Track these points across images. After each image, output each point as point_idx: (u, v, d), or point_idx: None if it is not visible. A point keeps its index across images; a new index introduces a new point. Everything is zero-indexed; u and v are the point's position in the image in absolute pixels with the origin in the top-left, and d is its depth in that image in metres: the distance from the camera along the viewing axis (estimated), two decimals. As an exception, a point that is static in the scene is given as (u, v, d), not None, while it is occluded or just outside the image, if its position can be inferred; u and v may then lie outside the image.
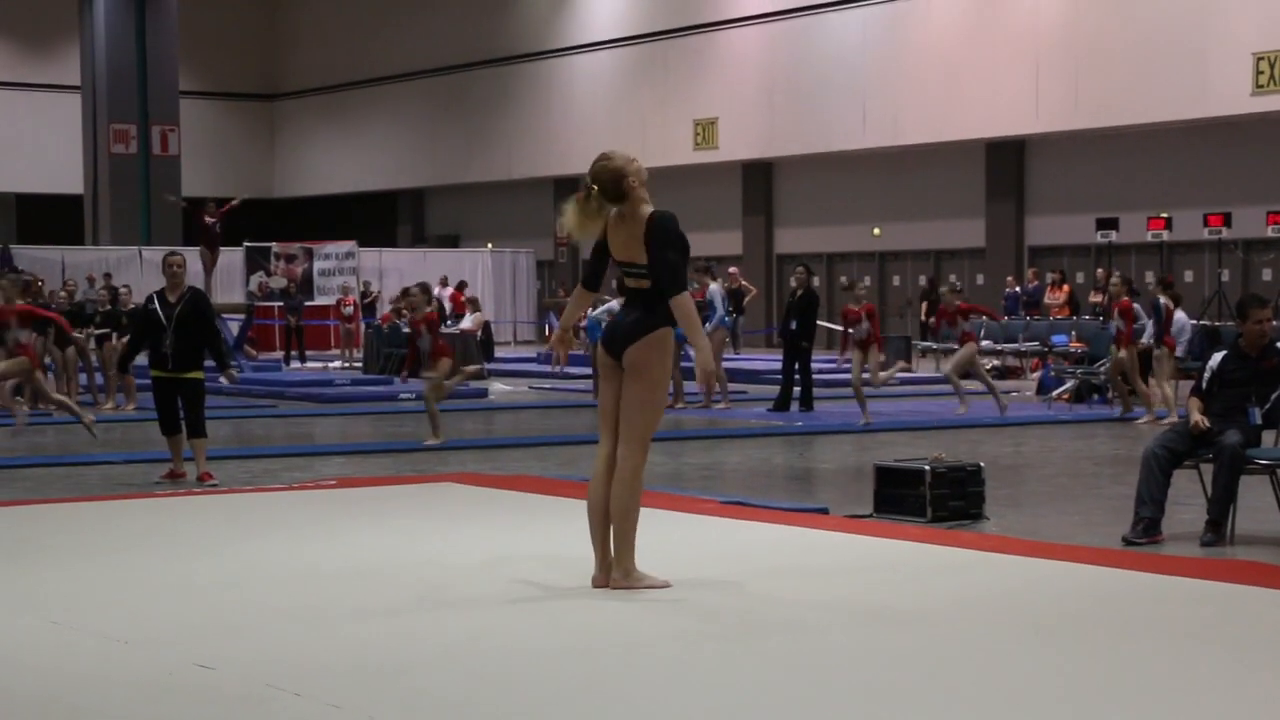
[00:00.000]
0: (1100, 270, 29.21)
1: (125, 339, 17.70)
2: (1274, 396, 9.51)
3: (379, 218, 47.52)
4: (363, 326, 31.37)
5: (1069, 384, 20.90)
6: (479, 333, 27.59)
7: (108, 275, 26.92)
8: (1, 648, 6.47)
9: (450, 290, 33.51)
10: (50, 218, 43.83)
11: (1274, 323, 10.17)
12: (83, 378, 21.03)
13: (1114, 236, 27.78)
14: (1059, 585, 7.82)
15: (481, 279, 38.16)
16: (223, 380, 13.20)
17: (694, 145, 37.52)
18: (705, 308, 21.93)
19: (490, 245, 41.84)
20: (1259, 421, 9.45)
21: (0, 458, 14.57)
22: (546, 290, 41.69)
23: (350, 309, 32.07)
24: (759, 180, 37.61)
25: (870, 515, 10.35)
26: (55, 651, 6.41)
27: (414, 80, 45.38)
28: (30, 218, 45.78)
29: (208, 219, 27.40)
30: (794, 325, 19.73)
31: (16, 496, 11.63)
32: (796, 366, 19.69)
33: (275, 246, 36.80)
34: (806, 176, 36.87)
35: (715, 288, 21.06)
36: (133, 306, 20.48)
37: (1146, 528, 9.23)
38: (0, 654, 6.36)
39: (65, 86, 43.62)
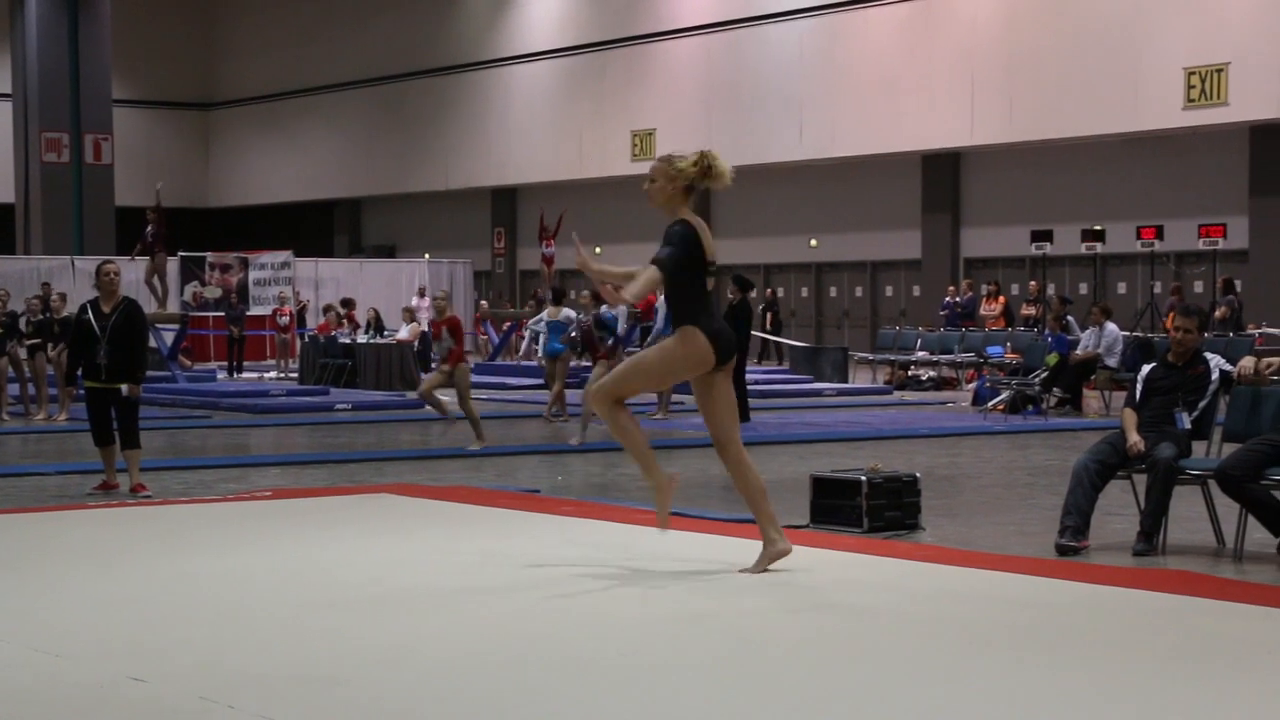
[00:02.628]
0: (1034, 283, 29.44)
1: (63, 349, 17.55)
2: (1201, 405, 9.62)
3: (315, 228, 47.35)
4: (299, 337, 31.24)
5: (1003, 395, 21.04)
6: (416, 343, 27.49)
7: (46, 285, 26.68)
8: (-69, 661, 6.40)
9: (425, 301, 33.58)
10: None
11: (1204, 334, 10.27)
12: (14, 388, 20.82)
13: (1048, 248, 28.00)
14: (994, 595, 7.87)
15: (417, 289, 38.02)
16: (123, 390, 12.43)
17: (632, 156, 37.57)
18: (648, 316, 22.05)
19: (427, 255, 41.74)
20: (1188, 426, 9.55)
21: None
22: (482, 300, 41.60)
23: (286, 319, 31.90)
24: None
25: (806, 525, 10.38)
26: (-14, 664, 6.35)
27: (351, 90, 45.25)
28: (-39, 226, 45.34)
29: (148, 225, 27.11)
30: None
31: (-54, 508, 11.50)
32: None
33: (210, 256, 36.55)
34: (744, 188, 36.78)
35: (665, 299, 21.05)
36: (65, 315, 20.29)
37: (1074, 533, 9.31)
38: (-71, 667, 6.29)
39: (-4, 94, 43.24)
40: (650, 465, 8.34)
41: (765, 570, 8.26)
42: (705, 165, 8.36)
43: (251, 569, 8.53)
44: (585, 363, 20.44)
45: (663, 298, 20.90)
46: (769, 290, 35.45)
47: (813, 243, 36.11)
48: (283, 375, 30.13)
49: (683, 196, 8.34)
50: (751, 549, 9.16)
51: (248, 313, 33.62)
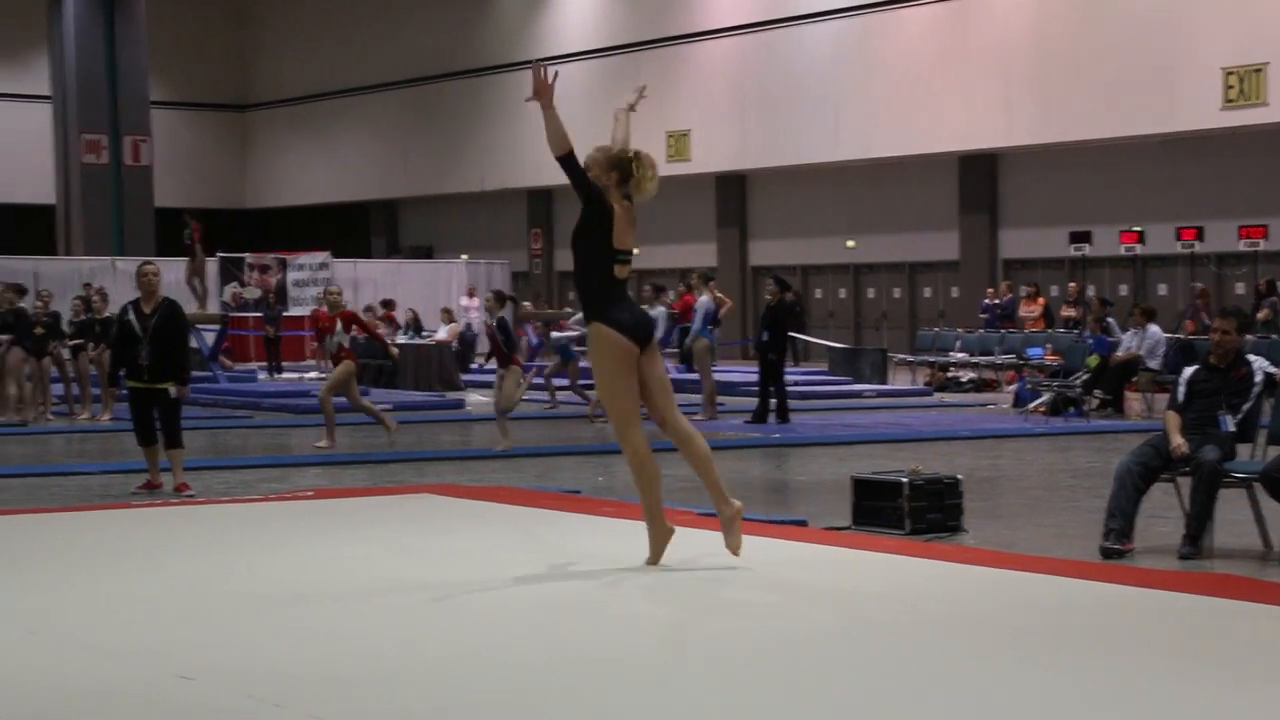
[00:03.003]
0: (1073, 284, 29.32)
1: (106, 350, 17.64)
2: (1245, 408, 9.57)
3: (353, 229, 47.45)
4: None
5: (1044, 397, 20.98)
6: (454, 343, 27.57)
7: (87, 285, 26.83)
8: (-19, 660, 6.44)
9: (475, 301, 33.99)
10: (23, 228, 43.67)
11: (1246, 336, 10.22)
12: (58, 388, 20.95)
13: (1087, 250, 27.86)
14: (1036, 598, 7.84)
15: (456, 290, 38.09)
16: (171, 392, 12.55)
17: (667, 157, 37.55)
18: (687, 317, 22.02)
19: (465, 256, 41.80)
20: (1232, 429, 9.50)
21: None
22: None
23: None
24: (733, 192, 37.64)
25: (848, 527, 10.37)
26: (33, 664, 6.38)
27: (387, 91, 45.34)
28: (3, 228, 45.60)
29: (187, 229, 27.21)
30: (764, 337, 19.79)
31: (-8, 507, 11.59)
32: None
33: (249, 257, 36.71)
34: (780, 189, 36.92)
35: (704, 300, 21.10)
36: (106, 315, 20.39)
37: (1119, 535, 9.27)
38: (-20, 666, 6.34)
39: (36, 96, 43.45)
40: (656, 513, 8.43)
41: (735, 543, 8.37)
42: (637, 164, 8.36)
43: (295, 568, 8.57)
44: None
45: (701, 298, 21.06)
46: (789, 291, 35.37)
47: (850, 244, 36.03)
48: (323, 376, 30.20)
49: (617, 189, 8.35)
50: (789, 549, 9.17)
51: (287, 313, 33.76)
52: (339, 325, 16.71)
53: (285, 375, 29.91)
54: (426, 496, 11.90)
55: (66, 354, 20.80)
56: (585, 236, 8.24)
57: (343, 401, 16.92)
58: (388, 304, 31.84)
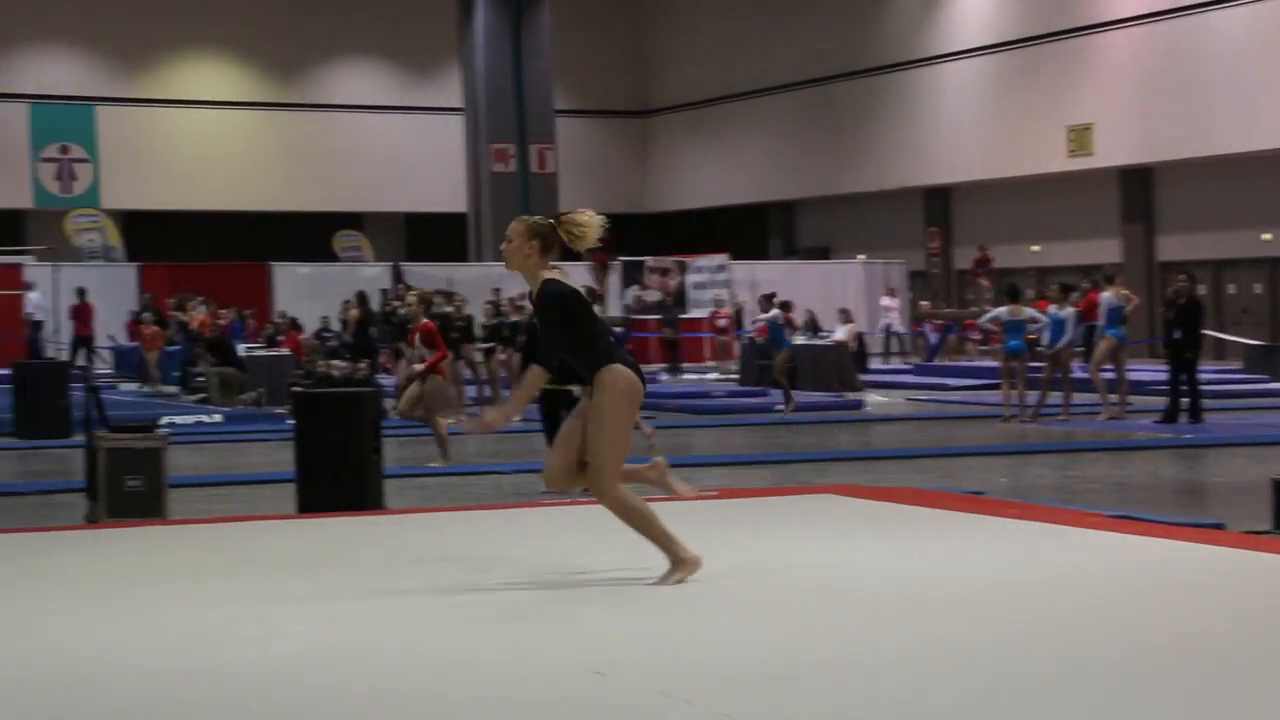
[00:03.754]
0: None
1: (515, 353, 18.23)
2: None
3: (749, 230, 47.83)
4: (736, 339, 31.65)
5: None
6: (853, 344, 27.51)
7: (497, 290, 27.79)
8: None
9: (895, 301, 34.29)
10: (436, 236, 45.49)
11: None
12: (471, 390, 21.74)
13: None
14: None
15: (853, 290, 37.98)
16: (574, 391, 12.83)
17: (1068, 152, 36.69)
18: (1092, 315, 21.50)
19: (862, 256, 41.69)
20: None
21: (398, 467, 15.13)
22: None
23: (724, 321, 32.37)
24: (1137, 186, 36.51)
25: (1270, 532, 9.92)
26: (456, 648, 6.60)
27: (783, 93, 45.57)
28: (418, 236, 47.62)
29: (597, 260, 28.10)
30: (1177, 335, 19.13)
31: (411, 504, 12.06)
32: (1183, 377, 19.06)
33: (649, 260, 37.39)
34: (1188, 181, 35.64)
35: (1108, 296, 20.59)
36: (515, 319, 21.07)
37: None
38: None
39: (447, 109, 45.20)
40: (670, 543, 7.97)
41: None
42: (560, 228, 7.85)
43: (704, 567, 8.62)
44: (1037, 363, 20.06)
45: (1104, 294, 20.50)
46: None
47: (1265, 237, 34.52)
48: (723, 377, 30.56)
49: (540, 257, 7.83)
50: (1206, 554, 8.80)
51: (686, 315, 34.28)
52: (417, 340, 16.79)
53: (685, 376, 30.35)
54: (829, 497, 11.87)
55: (479, 356, 21.57)
56: (565, 313, 7.78)
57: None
58: (785, 305, 31.98)
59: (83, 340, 31.54)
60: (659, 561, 7.95)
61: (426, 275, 34.27)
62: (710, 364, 33.22)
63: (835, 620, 7.19)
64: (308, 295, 34.67)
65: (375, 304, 29.69)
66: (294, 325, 29.18)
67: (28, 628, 7.22)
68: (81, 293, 32.35)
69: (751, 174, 46.79)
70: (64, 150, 43.90)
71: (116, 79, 45.06)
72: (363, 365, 21.53)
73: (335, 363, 22.40)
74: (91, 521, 11.12)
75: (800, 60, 44.63)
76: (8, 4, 43.11)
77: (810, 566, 8.61)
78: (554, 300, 7.73)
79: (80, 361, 29.41)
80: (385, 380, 22.35)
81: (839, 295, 36.50)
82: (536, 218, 7.98)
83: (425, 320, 16.12)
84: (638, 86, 51.40)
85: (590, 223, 7.81)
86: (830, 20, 43.78)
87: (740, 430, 19.71)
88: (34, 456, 17.62)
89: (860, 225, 44.89)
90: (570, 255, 7.98)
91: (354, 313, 26.93)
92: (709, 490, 12.65)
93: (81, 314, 31.93)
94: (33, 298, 33.13)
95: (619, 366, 7.77)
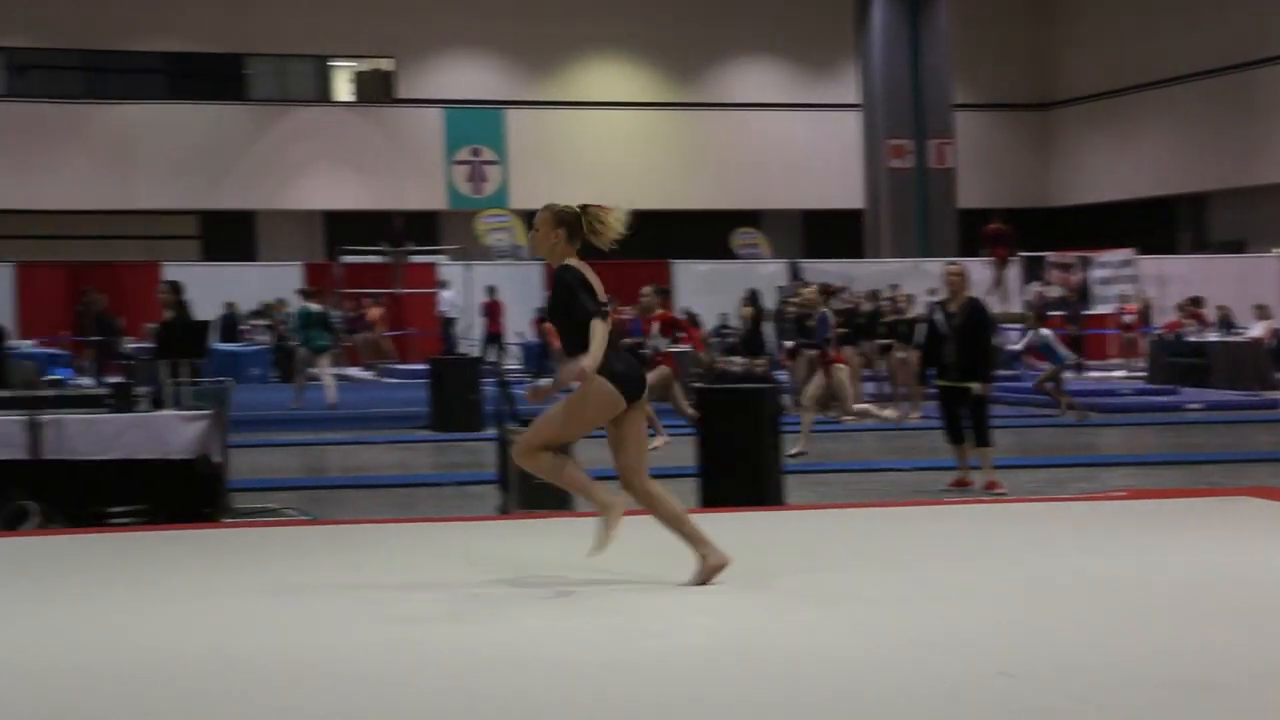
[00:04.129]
0: None
1: (913, 350, 18.14)
2: None
3: (1154, 224, 46.35)
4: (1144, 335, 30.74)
5: None
6: (1270, 340, 26.41)
7: (894, 287, 27.66)
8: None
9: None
10: (833, 232, 45.52)
11: None
12: (869, 386, 21.69)
13: None
14: None
15: (1271, 285, 36.33)
16: (973, 389, 12.58)
17: None
18: None
19: (1277, 250, 39.92)
20: None
21: (814, 463, 15.20)
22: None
23: (1131, 317, 31.49)
24: None
25: None
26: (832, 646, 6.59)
27: (1193, 81, 44.00)
28: (815, 233, 47.72)
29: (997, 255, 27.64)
30: None
31: (809, 501, 12.09)
32: None
33: (1050, 256, 36.63)
34: None
35: None
36: (912, 316, 20.94)
37: None
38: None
39: (843, 105, 45.18)
40: (595, 491, 7.85)
41: (707, 583, 7.84)
42: (584, 218, 7.87)
43: (1111, 570, 8.40)
44: None
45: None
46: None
47: None
48: (1130, 374, 29.73)
49: (566, 244, 7.85)
50: None
51: (1089, 312, 33.47)
52: (654, 329, 16.68)
53: (1092, 374, 29.63)
54: (1243, 499, 11.40)
55: (876, 353, 21.53)
56: (571, 299, 7.76)
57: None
58: (1195, 301, 30.90)
59: (493, 337, 32.69)
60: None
61: (823, 272, 34.31)
62: (1116, 361, 32.35)
63: (1260, 629, 6.90)
64: (706, 292, 35.18)
65: (771, 301, 29.86)
66: (694, 321, 29.60)
67: (455, 613, 7.51)
68: (492, 290, 33.54)
69: (1156, 166, 45.34)
70: (475, 153, 45.55)
71: (523, 82, 46.50)
72: (760, 361, 21.70)
73: (734, 359, 22.63)
74: (503, 513, 11.48)
75: (1213, 47, 43.01)
76: (424, 18, 44.97)
77: (1221, 571, 8.29)
78: (562, 284, 7.82)
79: (491, 357, 30.46)
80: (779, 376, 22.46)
81: (1255, 290, 34.99)
82: (563, 206, 8.06)
83: (660, 311, 16.87)
84: (1038, 79, 50.34)
85: (612, 221, 7.92)
86: (1248, 4, 42.05)
87: (1149, 429, 19.13)
88: (450, 449, 18.33)
89: (1278, 217, 43.00)
90: (590, 250, 8.00)
91: (748, 310, 27.16)
92: (1117, 490, 12.32)
93: (492, 311, 33.09)
94: (446, 295, 34.44)
95: (598, 378, 7.70)
